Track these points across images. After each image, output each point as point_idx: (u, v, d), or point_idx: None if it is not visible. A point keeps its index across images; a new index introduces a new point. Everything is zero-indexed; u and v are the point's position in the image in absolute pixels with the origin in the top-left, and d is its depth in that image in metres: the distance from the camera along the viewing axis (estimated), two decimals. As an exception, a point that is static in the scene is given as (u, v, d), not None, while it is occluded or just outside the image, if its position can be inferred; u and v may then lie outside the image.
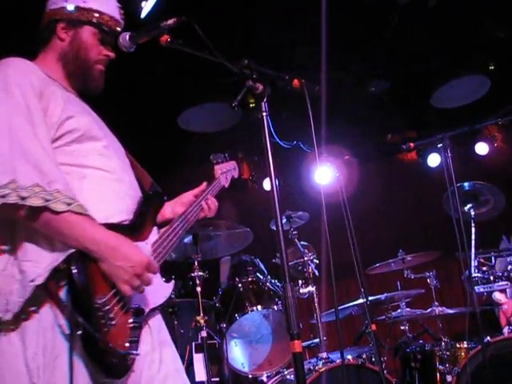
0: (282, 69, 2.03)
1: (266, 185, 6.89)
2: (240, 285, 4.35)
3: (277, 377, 4.09)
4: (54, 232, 1.78)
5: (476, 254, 4.50)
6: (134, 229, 2.01)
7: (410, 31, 5.44)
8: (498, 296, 4.46)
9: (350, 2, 4.82)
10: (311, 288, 4.24)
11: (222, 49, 2.03)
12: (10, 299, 1.73)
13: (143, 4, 4.46)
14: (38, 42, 2.19)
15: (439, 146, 3.78)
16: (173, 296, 3.93)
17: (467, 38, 5.63)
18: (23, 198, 1.69)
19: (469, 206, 4.77)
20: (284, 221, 4.61)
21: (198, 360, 4.05)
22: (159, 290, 2.08)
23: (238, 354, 4.35)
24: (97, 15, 2.15)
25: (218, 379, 4.45)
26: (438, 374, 4.42)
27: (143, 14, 4.48)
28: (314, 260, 4.35)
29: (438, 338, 4.56)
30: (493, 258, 4.52)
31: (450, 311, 4.64)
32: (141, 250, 1.92)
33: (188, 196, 2.53)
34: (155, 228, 2.16)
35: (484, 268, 4.40)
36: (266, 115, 1.91)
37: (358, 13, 5.09)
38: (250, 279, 4.38)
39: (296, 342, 1.73)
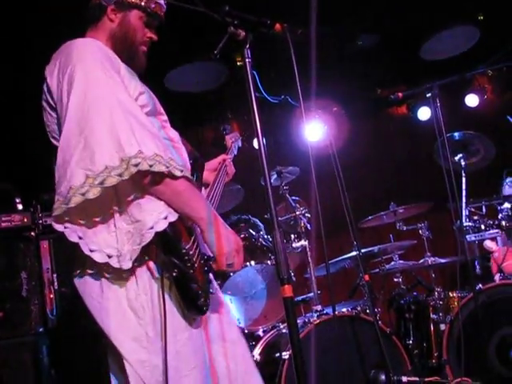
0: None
1: (256, 143, 6.84)
2: (232, 242, 4.34)
3: (273, 331, 4.12)
4: (171, 194, 1.97)
5: (467, 203, 4.52)
6: None
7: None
8: (489, 244, 4.50)
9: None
10: (304, 242, 4.24)
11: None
12: (124, 249, 1.92)
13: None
14: (86, 20, 2.29)
15: (428, 95, 3.74)
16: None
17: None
18: (151, 166, 1.88)
19: (459, 156, 4.77)
20: (274, 176, 4.60)
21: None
22: None
23: (233, 310, 4.37)
24: (144, 0, 2.26)
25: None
26: (431, 324, 4.48)
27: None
28: (306, 214, 4.34)
29: (431, 288, 4.61)
30: (483, 207, 4.54)
31: (442, 261, 4.68)
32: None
33: (213, 163, 2.85)
34: (203, 190, 2.47)
35: (475, 217, 4.42)
36: (249, 62, 1.90)
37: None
38: (242, 236, 4.38)
39: (286, 286, 1.74)
